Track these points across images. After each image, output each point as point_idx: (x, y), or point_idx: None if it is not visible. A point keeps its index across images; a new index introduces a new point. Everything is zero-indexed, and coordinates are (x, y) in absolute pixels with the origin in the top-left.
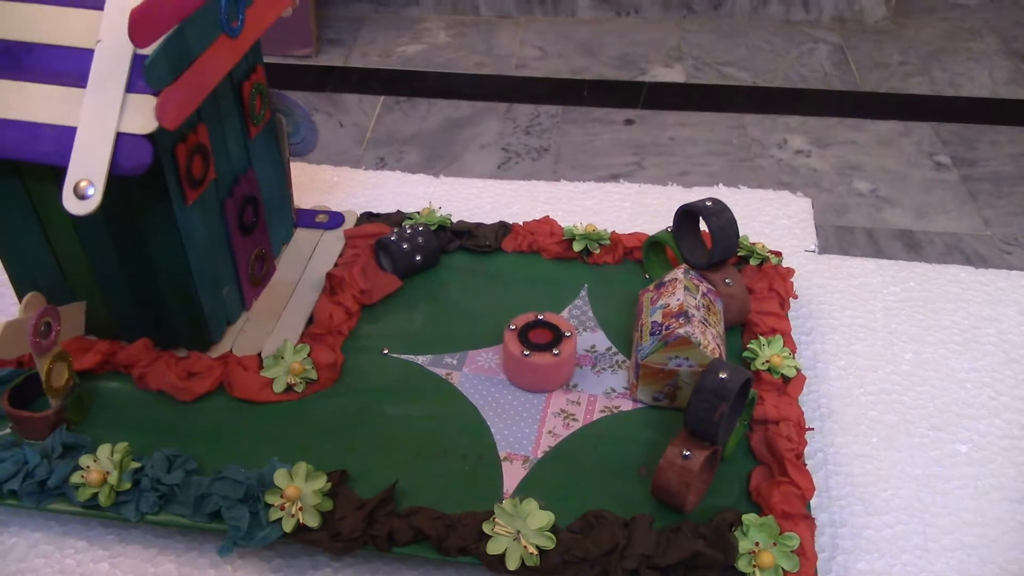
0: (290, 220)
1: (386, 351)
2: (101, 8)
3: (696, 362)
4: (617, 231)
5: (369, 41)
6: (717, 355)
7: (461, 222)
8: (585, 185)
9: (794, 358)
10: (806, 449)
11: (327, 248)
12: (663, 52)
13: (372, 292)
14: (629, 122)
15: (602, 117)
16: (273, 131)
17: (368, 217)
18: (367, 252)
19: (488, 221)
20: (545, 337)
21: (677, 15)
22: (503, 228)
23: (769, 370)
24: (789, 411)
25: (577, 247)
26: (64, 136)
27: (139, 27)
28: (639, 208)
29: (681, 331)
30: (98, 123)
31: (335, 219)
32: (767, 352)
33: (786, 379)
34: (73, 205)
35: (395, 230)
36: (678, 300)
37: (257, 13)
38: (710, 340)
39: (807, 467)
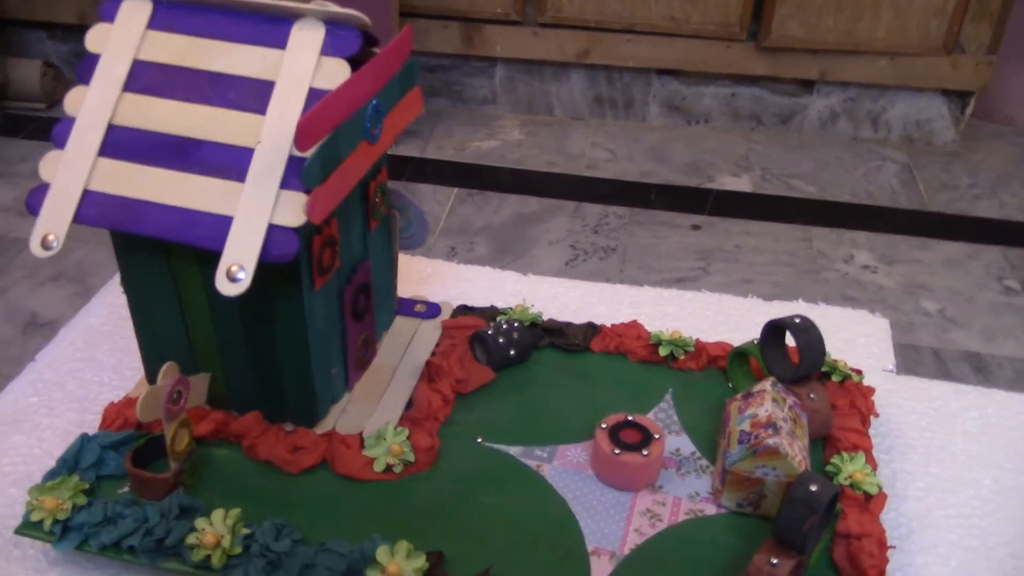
0: (392, 308)
1: (480, 439)
2: (262, 112)
3: (783, 472)
4: (700, 339)
5: (445, 135)
6: (804, 467)
7: (552, 320)
8: (667, 292)
9: (876, 475)
10: (887, 567)
11: (424, 336)
12: (731, 161)
13: (468, 382)
14: (696, 227)
15: (669, 221)
16: (388, 225)
17: (464, 310)
18: (463, 343)
19: (573, 320)
20: (635, 437)
21: (746, 127)
22: (592, 329)
23: (852, 486)
24: (872, 527)
25: (663, 352)
26: (221, 224)
27: (305, 134)
28: (720, 317)
29: (770, 441)
30: (253, 215)
31: (432, 309)
32: (850, 468)
33: (868, 496)
34: (225, 287)
35: (491, 324)
36: (766, 411)
37: (392, 121)
38: (797, 452)
39: None
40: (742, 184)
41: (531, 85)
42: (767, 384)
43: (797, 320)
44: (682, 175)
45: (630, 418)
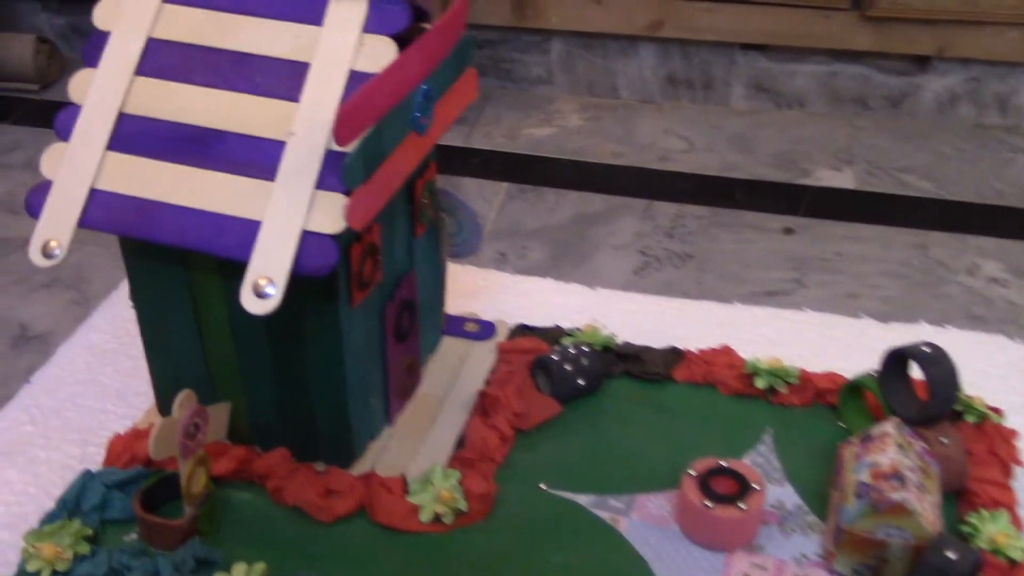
0: (439, 327)
1: (543, 485)
2: (295, 100)
3: (911, 534)
4: (803, 367)
5: (493, 120)
6: (937, 528)
7: (627, 344)
8: (762, 311)
9: (1022, 538)
10: None
11: (477, 361)
12: (830, 152)
13: (528, 416)
14: (788, 231)
15: (756, 223)
16: (435, 230)
17: (523, 330)
18: (523, 370)
19: (651, 343)
20: (730, 488)
21: (848, 111)
22: (674, 354)
23: (994, 551)
24: None
25: (760, 384)
26: (247, 230)
27: (345, 124)
28: (826, 341)
29: (896, 496)
30: (285, 219)
31: (486, 329)
32: (990, 528)
33: (1013, 563)
34: (251, 303)
35: (556, 348)
36: (890, 459)
37: (444, 109)
38: (928, 509)
39: None
40: (844, 180)
41: (593, 62)
42: (890, 426)
43: (926, 348)
44: (772, 169)
45: (723, 464)
